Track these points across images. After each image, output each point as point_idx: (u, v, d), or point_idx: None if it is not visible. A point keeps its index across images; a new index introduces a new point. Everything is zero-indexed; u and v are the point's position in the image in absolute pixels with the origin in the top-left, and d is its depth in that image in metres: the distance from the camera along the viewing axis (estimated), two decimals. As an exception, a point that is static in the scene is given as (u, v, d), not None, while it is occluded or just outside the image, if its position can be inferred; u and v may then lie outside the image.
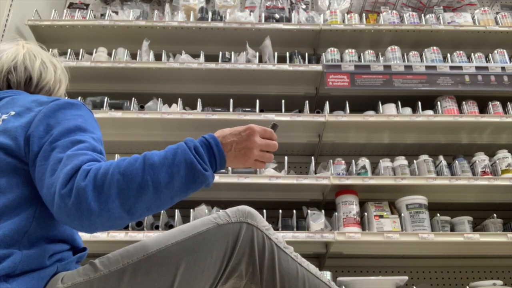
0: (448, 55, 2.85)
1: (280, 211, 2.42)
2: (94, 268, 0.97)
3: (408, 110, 2.69)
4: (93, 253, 1.22)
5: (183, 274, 0.98)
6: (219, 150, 1.01)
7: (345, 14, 3.04)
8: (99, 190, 0.88)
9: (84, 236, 1.18)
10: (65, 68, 1.32)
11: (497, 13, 3.11)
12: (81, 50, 2.75)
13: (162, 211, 2.33)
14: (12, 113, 1.04)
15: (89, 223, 0.88)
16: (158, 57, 2.82)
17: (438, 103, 2.73)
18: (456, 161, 2.58)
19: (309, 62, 2.79)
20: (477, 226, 2.64)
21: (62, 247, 1.02)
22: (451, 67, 2.72)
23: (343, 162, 2.60)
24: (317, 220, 2.38)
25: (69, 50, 2.73)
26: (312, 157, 2.65)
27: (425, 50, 2.87)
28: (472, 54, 2.88)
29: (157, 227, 2.33)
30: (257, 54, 2.80)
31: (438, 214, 2.47)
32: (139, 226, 2.33)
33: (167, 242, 1.01)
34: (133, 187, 0.90)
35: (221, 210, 1.10)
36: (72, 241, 1.06)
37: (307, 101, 2.67)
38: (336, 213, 2.45)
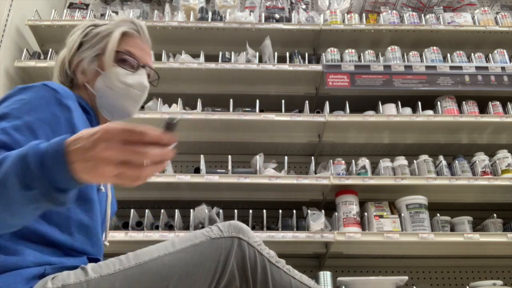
0: (448, 55, 2.85)
1: (280, 211, 2.42)
2: (85, 273, 0.95)
3: (408, 110, 2.69)
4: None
5: (175, 284, 0.97)
6: (55, 161, 0.70)
7: (345, 14, 3.04)
8: None
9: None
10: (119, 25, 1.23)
11: (497, 13, 3.11)
12: (81, 50, 2.75)
13: (162, 211, 2.34)
14: None
15: None
16: (158, 57, 2.81)
17: (438, 103, 2.73)
18: (456, 161, 2.58)
19: (309, 62, 2.79)
20: (477, 226, 2.63)
21: (45, 249, 0.98)
22: (451, 67, 2.72)
23: (343, 162, 2.60)
24: (317, 220, 2.38)
25: (69, 50, 2.73)
26: (312, 157, 2.65)
27: (425, 50, 2.87)
28: (472, 54, 2.88)
29: (157, 227, 2.32)
30: (257, 54, 2.79)
31: (438, 214, 2.47)
32: (139, 226, 2.33)
33: (160, 252, 0.99)
34: None
35: (213, 225, 1.08)
36: (56, 243, 1.00)
37: (307, 101, 2.67)
38: (336, 213, 2.45)
